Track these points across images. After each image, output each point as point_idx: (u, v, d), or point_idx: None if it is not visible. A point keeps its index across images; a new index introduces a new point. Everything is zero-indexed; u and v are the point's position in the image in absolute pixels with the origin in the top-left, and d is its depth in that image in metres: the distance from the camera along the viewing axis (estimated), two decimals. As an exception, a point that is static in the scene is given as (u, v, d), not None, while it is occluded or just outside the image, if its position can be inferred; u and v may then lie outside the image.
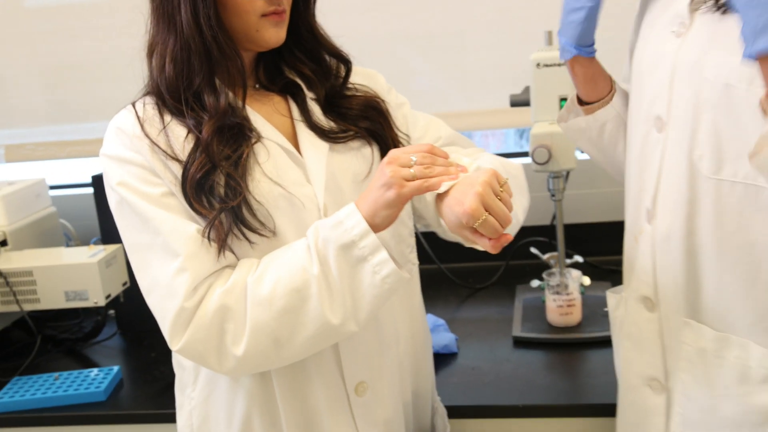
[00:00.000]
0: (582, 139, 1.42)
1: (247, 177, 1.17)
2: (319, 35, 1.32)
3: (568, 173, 1.85)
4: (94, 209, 2.18)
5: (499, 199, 1.04)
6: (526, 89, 1.83)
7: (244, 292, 1.12)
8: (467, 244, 1.16)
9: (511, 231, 1.14)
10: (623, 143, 1.35)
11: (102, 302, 1.84)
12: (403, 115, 1.37)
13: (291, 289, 1.10)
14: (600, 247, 2.15)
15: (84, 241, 2.31)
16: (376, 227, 1.09)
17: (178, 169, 1.16)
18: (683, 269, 1.20)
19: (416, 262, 1.36)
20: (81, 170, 2.53)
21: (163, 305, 1.15)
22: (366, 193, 1.11)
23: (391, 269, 1.09)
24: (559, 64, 1.67)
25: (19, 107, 2.49)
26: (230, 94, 1.21)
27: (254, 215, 1.16)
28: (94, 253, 1.88)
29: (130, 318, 2.07)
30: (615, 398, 1.39)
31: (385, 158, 1.11)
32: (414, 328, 1.35)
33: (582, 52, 1.29)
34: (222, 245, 1.14)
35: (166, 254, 1.14)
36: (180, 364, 1.28)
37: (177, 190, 1.16)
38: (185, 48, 1.18)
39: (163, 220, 1.15)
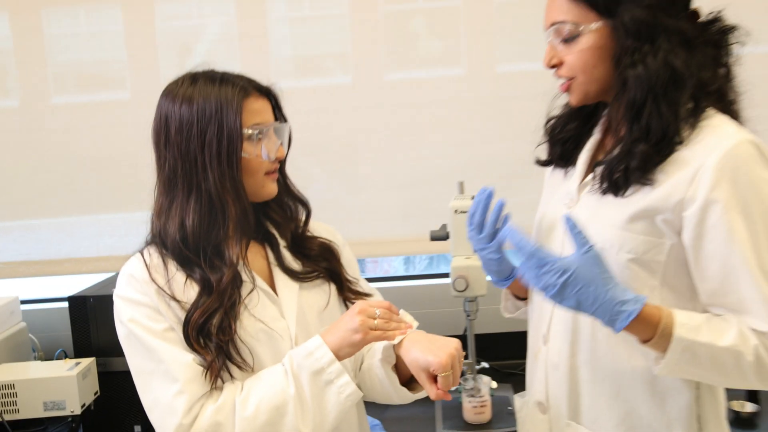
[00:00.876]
0: (524, 316, 1.57)
1: (236, 318, 1.31)
2: (287, 184, 1.48)
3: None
4: (56, 323, 2.31)
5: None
6: (443, 226, 2.07)
7: (233, 410, 1.26)
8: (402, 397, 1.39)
9: None
10: None
11: (78, 411, 1.96)
12: (347, 264, 1.54)
13: (272, 407, 1.25)
14: (501, 353, 2.39)
15: (47, 353, 2.38)
16: (339, 358, 1.26)
17: (178, 309, 1.30)
18: (567, 382, 1.36)
19: None
20: (44, 285, 2.65)
21: (164, 422, 1.27)
22: (334, 330, 1.28)
23: (352, 389, 1.26)
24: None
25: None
26: (239, 244, 1.36)
27: (239, 353, 1.30)
28: (70, 367, 1.99)
29: (98, 423, 2.13)
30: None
31: (355, 307, 1.28)
32: (363, 428, 1.52)
33: (510, 281, 1.47)
34: (215, 380, 1.28)
35: (166, 379, 1.27)
36: None
37: (177, 327, 1.29)
38: (210, 207, 1.32)
39: (165, 350, 1.28)
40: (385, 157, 2.53)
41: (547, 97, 1.48)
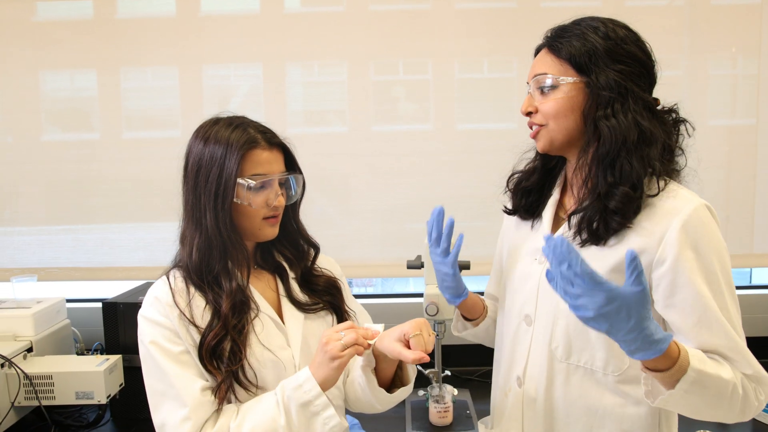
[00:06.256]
0: (470, 338, 1.41)
1: (246, 344, 1.13)
2: (300, 229, 1.30)
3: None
4: (95, 320, 2.08)
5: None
6: (418, 257, 1.91)
7: None
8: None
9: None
10: (494, 331, 1.36)
11: (104, 401, 1.75)
12: (347, 297, 1.35)
13: None
14: (460, 360, 2.22)
15: (87, 344, 2.18)
16: (325, 388, 1.08)
17: (196, 333, 1.11)
18: (543, 419, 1.18)
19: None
20: (85, 287, 2.44)
21: None
22: (316, 365, 1.09)
23: (336, 422, 1.08)
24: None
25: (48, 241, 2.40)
26: (239, 275, 1.17)
27: (246, 376, 1.12)
28: (100, 363, 1.77)
29: (122, 410, 1.93)
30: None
31: (322, 340, 1.09)
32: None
33: (461, 299, 1.29)
34: (222, 401, 1.10)
35: (176, 403, 1.09)
36: None
37: (193, 351, 1.11)
38: (208, 243, 1.14)
39: (177, 375, 1.10)
40: (370, 190, 2.40)
41: (497, 153, 1.35)
